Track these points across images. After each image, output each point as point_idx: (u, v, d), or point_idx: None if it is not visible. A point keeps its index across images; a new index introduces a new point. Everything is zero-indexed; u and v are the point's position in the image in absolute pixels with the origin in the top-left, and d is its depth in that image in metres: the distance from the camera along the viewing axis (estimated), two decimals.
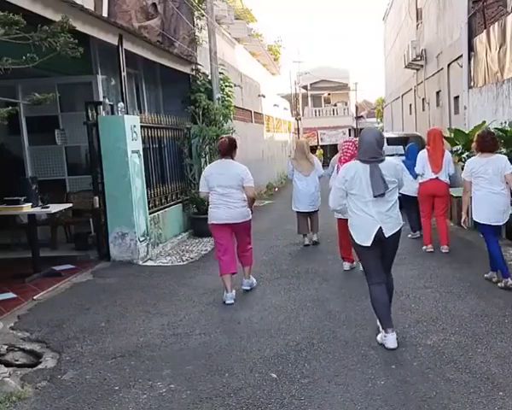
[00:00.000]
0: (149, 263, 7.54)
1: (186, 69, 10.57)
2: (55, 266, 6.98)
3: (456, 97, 12.36)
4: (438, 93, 14.57)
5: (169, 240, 8.77)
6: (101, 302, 5.67)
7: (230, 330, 4.66)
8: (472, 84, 10.57)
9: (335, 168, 6.59)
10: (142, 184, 7.71)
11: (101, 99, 7.70)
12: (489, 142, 5.58)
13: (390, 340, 4.10)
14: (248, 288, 5.92)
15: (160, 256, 7.98)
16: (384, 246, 4.18)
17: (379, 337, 4.23)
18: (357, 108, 45.03)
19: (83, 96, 8.03)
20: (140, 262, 7.42)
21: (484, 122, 8.74)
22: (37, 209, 6.72)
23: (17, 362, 4.25)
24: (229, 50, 15.40)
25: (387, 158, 4.24)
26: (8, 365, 4.13)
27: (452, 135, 9.35)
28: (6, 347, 4.40)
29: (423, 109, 16.79)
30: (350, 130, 39.88)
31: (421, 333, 4.39)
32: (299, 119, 37.54)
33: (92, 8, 6.97)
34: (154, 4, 9.38)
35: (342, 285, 5.96)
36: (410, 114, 19.70)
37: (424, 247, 7.49)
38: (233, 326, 4.77)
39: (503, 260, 5.58)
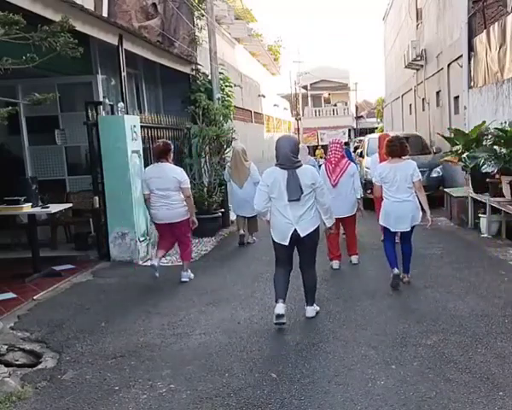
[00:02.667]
0: (149, 263, 7.53)
1: (186, 69, 10.57)
2: (55, 266, 6.98)
3: (456, 97, 12.37)
4: (438, 93, 14.57)
5: None
6: (101, 302, 5.67)
7: (230, 331, 4.66)
8: (472, 84, 10.58)
9: (323, 168, 6.73)
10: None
11: (101, 99, 7.69)
12: (396, 146, 5.61)
13: (277, 307, 4.61)
14: (187, 279, 6.36)
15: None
16: (300, 244, 4.65)
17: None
18: (357, 108, 45.02)
19: (83, 96, 8.03)
20: (140, 262, 7.42)
21: (484, 122, 8.75)
22: (37, 209, 6.72)
23: (17, 362, 4.25)
24: (229, 50, 15.41)
25: (304, 164, 4.65)
26: (8, 365, 4.13)
27: (452, 135, 9.36)
28: (6, 347, 4.40)
29: (423, 109, 16.79)
30: (350, 130, 39.88)
31: (421, 333, 4.39)
32: (299, 119, 37.57)
33: (92, 8, 6.97)
34: (154, 4, 9.37)
35: (342, 285, 5.96)
36: (410, 114, 19.71)
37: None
38: (233, 326, 4.77)
39: (396, 261, 5.68)
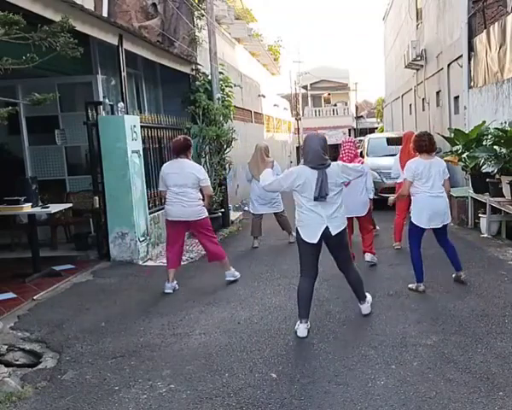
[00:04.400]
0: (149, 263, 7.54)
1: (186, 69, 10.57)
2: (55, 266, 6.98)
3: (456, 97, 12.36)
4: (438, 93, 14.57)
5: None
6: (101, 302, 5.67)
7: (230, 331, 4.66)
8: (472, 84, 10.58)
9: None
10: (142, 184, 7.71)
11: (101, 99, 7.70)
12: (425, 141, 5.59)
13: (300, 329, 4.48)
14: (232, 279, 6.17)
15: (160, 256, 7.97)
16: (330, 244, 4.60)
17: (296, 325, 4.57)
18: (357, 108, 45.01)
19: (83, 96, 8.03)
20: (140, 262, 7.42)
21: (484, 122, 8.75)
22: (37, 209, 6.72)
23: (17, 362, 4.25)
24: (229, 50, 15.40)
25: (332, 163, 4.57)
26: (8, 365, 4.13)
27: (452, 135, 9.35)
28: (6, 347, 4.41)
29: (423, 109, 16.78)
30: (350, 130, 39.87)
31: (421, 333, 4.39)
32: (299, 119, 37.52)
33: (92, 8, 6.96)
34: (154, 4, 9.36)
35: (342, 285, 5.93)
36: (410, 114, 19.70)
37: (394, 243, 7.72)
38: (233, 326, 4.77)
39: (422, 273, 5.61)
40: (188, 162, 5.89)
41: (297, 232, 4.59)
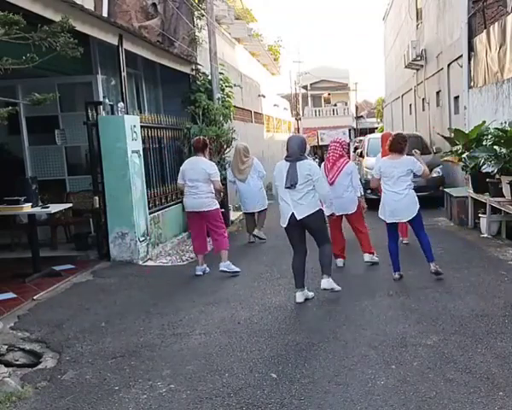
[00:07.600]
0: (149, 263, 7.54)
1: (186, 69, 10.57)
2: (55, 266, 6.97)
3: (456, 97, 12.37)
4: (438, 93, 14.57)
5: (169, 240, 8.77)
6: (101, 302, 5.67)
7: (230, 331, 4.66)
8: (472, 84, 10.58)
9: (322, 167, 6.73)
10: (142, 184, 7.71)
11: (101, 99, 7.69)
12: (396, 143, 5.94)
13: (297, 295, 5.35)
14: (225, 269, 6.50)
15: (160, 256, 7.98)
16: (305, 227, 5.31)
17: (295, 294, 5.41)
18: (357, 108, 45.00)
19: (83, 96, 8.03)
20: (140, 262, 7.42)
21: (484, 122, 8.75)
22: (37, 209, 6.72)
23: (17, 362, 4.25)
24: (229, 50, 15.40)
25: (306, 159, 5.33)
26: (8, 365, 4.13)
27: (452, 135, 9.35)
28: (6, 347, 4.40)
29: (423, 109, 16.79)
30: (350, 130, 39.82)
31: (421, 333, 4.39)
32: (299, 119, 37.53)
33: (92, 8, 6.97)
34: (154, 4, 9.37)
35: (342, 285, 5.94)
36: (410, 114, 19.70)
37: (401, 238, 7.76)
38: (233, 326, 4.77)
39: (398, 258, 6.03)
40: (202, 159, 6.52)
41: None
